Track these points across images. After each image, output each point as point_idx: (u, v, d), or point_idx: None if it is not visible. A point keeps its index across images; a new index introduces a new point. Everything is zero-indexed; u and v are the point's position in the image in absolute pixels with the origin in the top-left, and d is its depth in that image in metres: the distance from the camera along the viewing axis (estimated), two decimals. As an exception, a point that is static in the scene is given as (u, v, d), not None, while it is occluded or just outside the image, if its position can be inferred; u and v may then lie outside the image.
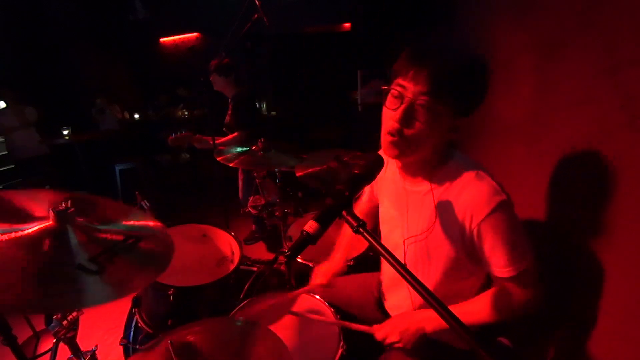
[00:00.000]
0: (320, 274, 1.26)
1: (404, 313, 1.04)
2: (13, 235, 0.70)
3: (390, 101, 0.83)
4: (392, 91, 0.82)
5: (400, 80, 0.80)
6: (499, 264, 0.84)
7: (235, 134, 2.55)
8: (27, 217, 0.77)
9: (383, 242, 1.09)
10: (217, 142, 2.49)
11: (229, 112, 2.66)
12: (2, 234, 0.70)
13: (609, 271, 0.94)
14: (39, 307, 0.66)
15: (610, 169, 0.93)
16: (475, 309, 0.93)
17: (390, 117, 0.82)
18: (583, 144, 1.04)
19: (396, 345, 0.97)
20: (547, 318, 1.18)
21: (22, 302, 0.61)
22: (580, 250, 1.04)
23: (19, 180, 3.93)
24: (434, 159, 0.91)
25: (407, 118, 0.79)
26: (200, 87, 4.78)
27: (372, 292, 1.27)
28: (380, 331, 0.99)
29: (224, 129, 2.71)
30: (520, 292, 0.86)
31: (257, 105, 4.96)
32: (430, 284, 0.97)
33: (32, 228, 0.74)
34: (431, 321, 0.95)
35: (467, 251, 0.89)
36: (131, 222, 0.91)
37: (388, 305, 1.18)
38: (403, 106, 0.79)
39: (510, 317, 0.90)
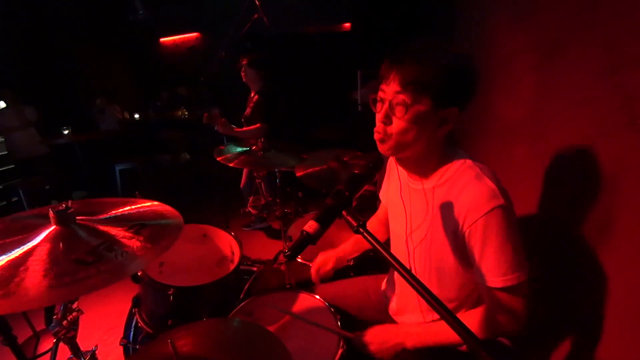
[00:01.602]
0: (323, 259, 1.29)
1: (386, 325, 1.04)
2: (26, 248, 0.75)
3: (377, 106, 0.89)
4: (377, 97, 0.88)
5: (381, 86, 0.87)
6: (486, 270, 0.82)
7: (258, 125, 2.60)
8: (34, 230, 0.81)
9: (391, 240, 1.11)
10: (238, 130, 2.59)
11: (251, 104, 2.72)
12: (16, 250, 0.74)
13: (609, 271, 0.93)
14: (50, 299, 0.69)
15: (611, 169, 0.93)
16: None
17: (377, 119, 0.88)
18: (583, 144, 1.04)
19: (376, 355, 0.96)
20: (547, 318, 1.18)
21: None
22: (580, 250, 1.04)
23: (19, 180, 3.93)
24: (434, 157, 0.91)
25: (387, 116, 0.85)
26: (200, 87, 4.79)
27: (375, 295, 1.27)
28: (359, 339, 0.99)
29: (242, 119, 2.76)
30: (505, 306, 0.83)
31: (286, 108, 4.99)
32: (432, 287, 0.96)
33: (40, 236, 0.78)
34: (413, 337, 0.95)
35: (460, 253, 0.88)
36: (135, 211, 0.95)
37: (392, 308, 1.18)
38: (384, 107, 0.85)
39: (494, 334, 0.89)
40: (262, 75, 2.69)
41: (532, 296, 0.84)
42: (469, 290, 0.97)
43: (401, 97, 0.80)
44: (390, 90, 0.83)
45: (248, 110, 2.74)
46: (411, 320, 1.07)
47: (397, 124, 0.83)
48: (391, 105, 0.83)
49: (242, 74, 2.68)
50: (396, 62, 0.82)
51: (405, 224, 1.01)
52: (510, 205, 0.81)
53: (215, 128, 2.54)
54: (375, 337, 0.98)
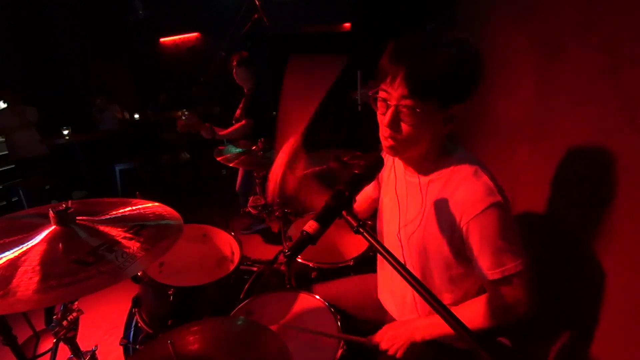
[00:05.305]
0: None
1: (394, 323, 1.05)
2: (25, 248, 0.75)
3: (378, 105, 0.85)
4: (378, 95, 0.84)
5: (383, 85, 0.82)
6: (485, 265, 0.83)
7: (243, 122, 2.60)
8: (34, 230, 0.81)
9: (381, 231, 1.12)
10: (223, 133, 2.57)
11: (241, 105, 2.72)
12: (16, 250, 0.74)
13: (609, 271, 0.93)
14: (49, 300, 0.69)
15: (610, 169, 0.93)
16: (467, 315, 0.92)
17: (381, 122, 0.85)
18: (583, 144, 1.04)
19: (388, 353, 0.97)
20: (547, 318, 1.18)
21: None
22: (580, 250, 1.04)
23: (19, 180, 3.93)
24: (434, 152, 0.91)
25: (395, 123, 0.82)
26: (201, 87, 4.79)
27: (372, 294, 1.27)
28: (370, 342, 1.00)
29: (233, 121, 2.76)
30: (508, 295, 0.85)
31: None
32: (425, 281, 0.97)
33: (40, 236, 0.78)
34: (420, 330, 0.95)
35: (455, 248, 0.89)
36: (136, 211, 0.96)
37: (386, 303, 1.19)
38: (390, 112, 0.81)
39: (502, 321, 0.90)
40: (252, 73, 2.69)
41: (533, 281, 0.85)
42: (465, 287, 0.97)
43: (409, 102, 0.77)
44: (396, 94, 0.79)
45: (238, 112, 2.75)
46: (409, 318, 1.07)
47: (406, 130, 0.81)
48: (398, 110, 0.80)
49: (234, 75, 2.67)
50: (401, 61, 0.77)
51: (399, 216, 1.02)
52: (506, 201, 0.82)
53: (203, 134, 2.50)
54: (385, 336, 0.98)
